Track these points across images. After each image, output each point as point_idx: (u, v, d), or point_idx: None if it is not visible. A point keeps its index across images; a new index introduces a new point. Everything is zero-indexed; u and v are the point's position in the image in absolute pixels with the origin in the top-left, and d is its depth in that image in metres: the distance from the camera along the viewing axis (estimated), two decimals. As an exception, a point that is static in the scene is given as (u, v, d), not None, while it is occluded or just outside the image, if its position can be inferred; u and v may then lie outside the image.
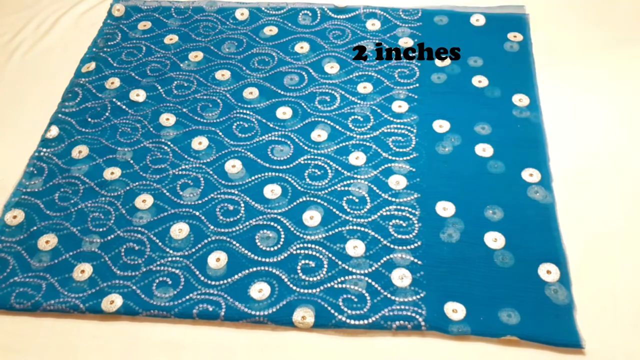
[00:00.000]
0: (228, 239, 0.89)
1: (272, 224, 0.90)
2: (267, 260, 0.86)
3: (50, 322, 0.83)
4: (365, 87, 1.07)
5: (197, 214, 0.92)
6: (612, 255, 0.85)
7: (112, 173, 0.97)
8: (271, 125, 1.03)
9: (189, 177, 0.97)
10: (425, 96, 1.05)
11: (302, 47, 1.14)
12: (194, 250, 0.88)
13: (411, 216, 0.90)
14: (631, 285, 0.82)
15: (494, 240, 0.86)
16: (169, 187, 0.95)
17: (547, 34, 1.14)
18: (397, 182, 0.94)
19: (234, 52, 1.14)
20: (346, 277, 0.84)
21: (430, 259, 0.85)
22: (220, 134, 1.02)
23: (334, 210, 0.91)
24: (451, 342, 0.79)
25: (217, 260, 0.86)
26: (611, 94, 1.04)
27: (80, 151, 1.00)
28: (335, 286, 0.83)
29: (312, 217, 0.90)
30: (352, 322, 0.80)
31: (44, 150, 1.01)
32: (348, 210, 0.91)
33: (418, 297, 0.81)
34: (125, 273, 0.86)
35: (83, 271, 0.86)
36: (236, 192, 0.94)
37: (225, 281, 0.84)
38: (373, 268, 0.85)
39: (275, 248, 0.87)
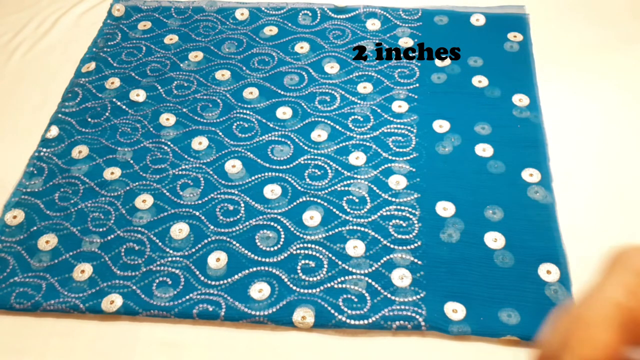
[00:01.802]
0: (228, 239, 0.89)
1: (272, 224, 0.90)
2: (267, 260, 0.86)
3: (50, 322, 0.82)
4: (365, 87, 1.07)
5: (197, 214, 0.92)
6: (612, 255, 0.85)
7: (112, 173, 0.97)
8: (271, 125, 1.03)
9: (189, 177, 0.97)
10: (425, 96, 1.05)
11: (302, 47, 1.14)
12: (194, 250, 0.88)
13: (411, 216, 0.90)
14: (631, 285, 0.82)
15: (494, 240, 0.86)
16: (169, 187, 0.95)
17: (547, 34, 1.14)
18: (397, 182, 0.94)
19: (234, 52, 1.14)
20: (346, 277, 0.84)
21: (430, 259, 0.85)
22: (220, 134, 1.02)
23: (334, 210, 0.91)
24: (451, 342, 0.78)
25: (217, 260, 0.86)
26: (611, 93, 1.04)
27: (80, 151, 1.00)
28: (335, 286, 0.83)
29: (312, 217, 0.90)
30: (352, 322, 0.79)
31: (44, 150, 1.01)
32: (348, 210, 0.91)
33: (418, 297, 0.81)
34: (125, 273, 0.86)
35: (83, 271, 0.86)
36: (236, 192, 0.94)
37: (225, 281, 0.84)
38: (373, 268, 0.84)
39: (275, 248, 0.87)
